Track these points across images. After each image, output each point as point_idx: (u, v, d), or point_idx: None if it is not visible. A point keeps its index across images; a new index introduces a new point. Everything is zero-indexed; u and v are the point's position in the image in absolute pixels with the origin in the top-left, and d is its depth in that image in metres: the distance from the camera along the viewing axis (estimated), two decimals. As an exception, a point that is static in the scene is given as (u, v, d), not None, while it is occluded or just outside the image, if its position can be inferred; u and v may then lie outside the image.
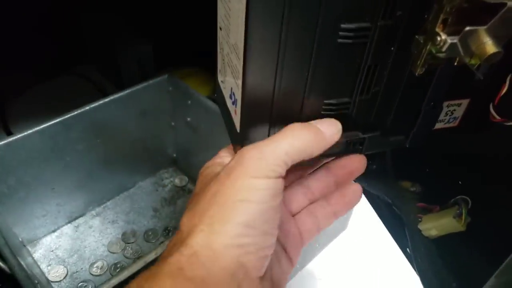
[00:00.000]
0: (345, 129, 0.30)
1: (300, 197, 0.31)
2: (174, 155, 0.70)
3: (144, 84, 0.61)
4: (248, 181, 0.24)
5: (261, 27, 0.23)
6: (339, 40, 0.25)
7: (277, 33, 0.24)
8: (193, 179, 0.68)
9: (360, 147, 0.31)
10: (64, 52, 0.82)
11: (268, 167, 0.24)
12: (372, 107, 0.29)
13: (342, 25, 0.24)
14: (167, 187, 0.67)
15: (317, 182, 0.32)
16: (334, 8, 0.23)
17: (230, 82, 0.30)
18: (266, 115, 0.28)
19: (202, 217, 0.24)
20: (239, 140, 0.29)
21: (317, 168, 0.32)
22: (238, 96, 0.27)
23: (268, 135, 0.29)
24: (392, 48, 0.26)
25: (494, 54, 0.19)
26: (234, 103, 0.29)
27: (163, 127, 0.66)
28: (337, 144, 0.30)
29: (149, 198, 0.65)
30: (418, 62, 0.23)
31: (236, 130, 0.30)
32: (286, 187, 0.30)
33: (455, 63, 0.23)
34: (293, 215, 0.31)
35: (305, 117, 0.28)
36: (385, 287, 0.47)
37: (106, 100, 0.58)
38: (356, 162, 0.31)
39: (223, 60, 0.31)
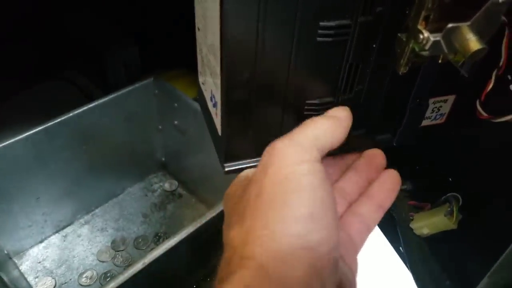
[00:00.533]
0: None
1: (338, 200, 0.27)
2: (163, 159, 0.69)
3: (130, 88, 0.60)
4: (291, 168, 0.21)
5: (236, 26, 0.22)
6: (319, 39, 0.24)
7: (254, 31, 0.23)
8: (183, 183, 0.67)
9: (346, 146, 0.31)
10: (49, 56, 0.81)
11: (305, 150, 0.22)
12: (356, 106, 0.28)
13: (321, 23, 0.23)
14: (156, 192, 0.66)
15: (349, 182, 0.29)
16: (312, 5, 0.23)
17: (210, 84, 0.29)
18: (248, 117, 0.27)
19: (254, 222, 0.20)
20: (220, 144, 0.28)
21: (345, 172, 0.30)
22: (218, 98, 0.27)
23: (250, 140, 0.28)
24: (374, 46, 0.25)
25: (478, 50, 0.19)
26: (214, 105, 0.28)
27: (150, 131, 0.65)
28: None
29: (139, 204, 0.64)
30: (402, 61, 0.22)
31: (218, 133, 0.29)
32: None
33: (440, 61, 0.22)
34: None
35: (287, 118, 0.28)
36: (379, 286, 0.46)
37: (91, 105, 0.57)
38: (378, 156, 0.30)
39: (203, 61, 0.30)
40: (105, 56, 0.76)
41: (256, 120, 0.27)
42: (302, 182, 0.20)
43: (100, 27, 0.78)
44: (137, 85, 0.61)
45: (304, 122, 0.25)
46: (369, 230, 0.28)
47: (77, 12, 0.78)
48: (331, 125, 0.25)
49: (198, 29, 0.29)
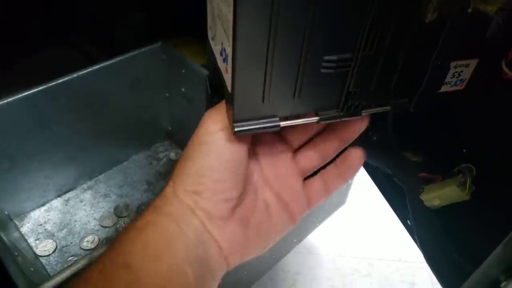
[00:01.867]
0: (345, 90, 0.27)
1: (311, 154, 0.32)
2: (169, 128, 0.68)
3: (136, 52, 0.59)
4: (206, 136, 0.28)
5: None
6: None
7: None
8: (187, 153, 0.66)
9: (362, 110, 0.29)
10: (56, 22, 0.79)
11: (223, 120, 0.27)
12: (376, 65, 0.27)
13: None
14: (161, 161, 0.65)
15: (323, 141, 0.33)
16: None
17: (221, 36, 0.27)
18: (261, 72, 0.26)
19: (174, 173, 0.29)
20: (230, 102, 0.27)
21: (324, 130, 0.33)
22: (229, 50, 0.25)
23: (263, 96, 0.27)
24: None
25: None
26: (225, 60, 0.27)
27: (156, 98, 0.64)
28: (335, 107, 0.28)
29: (143, 172, 0.63)
30: (430, 4, 0.20)
31: (227, 90, 0.27)
32: (299, 148, 0.33)
33: (469, 10, 0.21)
34: (305, 177, 0.33)
35: (303, 76, 0.26)
36: (386, 260, 0.45)
37: (95, 68, 0.56)
38: (359, 121, 0.31)
39: (213, 13, 0.29)
40: (113, 22, 0.74)
41: (269, 76, 0.26)
42: (204, 147, 0.27)
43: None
44: (143, 49, 0.59)
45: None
46: (327, 193, 0.33)
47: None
48: None
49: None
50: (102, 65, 0.55)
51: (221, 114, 0.28)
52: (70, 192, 0.59)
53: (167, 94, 0.64)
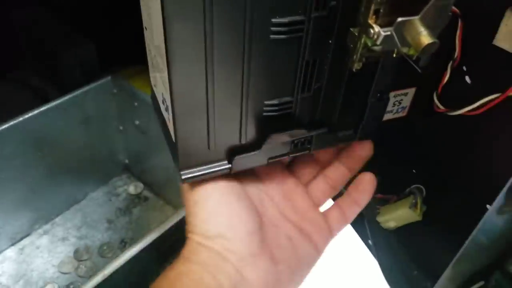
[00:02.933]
0: (289, 129, 0.28)
1: (322, 185, 0.33)
2: (126, 161, 0.66)
3: (86, 88, 0.57)
4: (206, 188, 0.28)
5: (180, 27, 0.21)
6: (272, 36, 0.23)
7: (201, 31, 0.21)
8: (148, 185, 0.65)
9: (308, 146, 0.30)
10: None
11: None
12: (316, 104, 0.27)
13: (274, 20, 0.22)
14: (121, 196, 0.64)
15: (332, 172, 0.33)
16: (263, 2, 0.21)
17: (161, 87, 0.27)
18: (203, 121, 0.26)
19: (188, 223, 0.29)
20: (175, 151, 0.27)
21: (331, 161, 0.34)
22: (169, 102, 0.25)
23: (208, 145, 0.27)
24: (330, 41, 0.24)
25: (429, 45, 0.18)
26: (167, 109, 0.27)
27: (111, 132, 0.62)
28: (283, 144, 0.29)
29: (102, 210, 0.61)
30: (355, 56, 0.21)
31: (171, 139, 0.27)
32: (309, 181, 0.33)
33: (394, 55, 0.21)
34: (319, 205, 0.33)
35: (246, 120, 0.26)
36: (348, 279, 0.46)
37: (44, 108, 0.54)
38: (363, 149, 0.32)
39: (152, 62, 0.28)
40: (60, 54, 0.71)
41: (212, 124, 0.26)
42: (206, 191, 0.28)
43: (50, 23, 0.74)
44: (94, 84, 0.58)
45: None
46: (346, 221, 0.33)
47: (25, 9, 0.74)
48: None
49: (145, 28, 0.27)
50: (51, 104, 0.53)
51: None
52: (25, 239, 0.57)
53: (121, 127, 0.62)
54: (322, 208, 0.33)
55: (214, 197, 0.28)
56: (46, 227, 0.58)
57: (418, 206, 0.35)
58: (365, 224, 0.42)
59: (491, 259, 0.33)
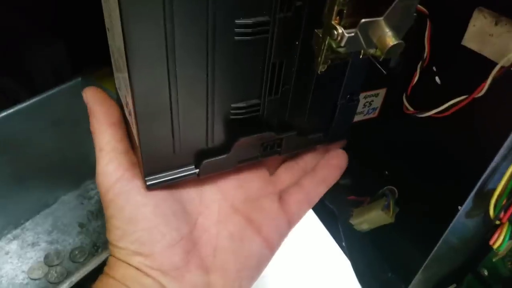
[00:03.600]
0: (258, 132, 0.27)
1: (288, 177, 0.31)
2: (99, 163, 0.65)
3: (55, 89, 0.56)
4: (111, 192, 0.27)
5: (140, 28, 0.20)
6: (236, 38, 0.22)
7: (161, 30, 0.20)
8: (122, 188, 0.64)
9: (278, 149, 0.29)
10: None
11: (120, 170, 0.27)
12: (285, 106, 0.27)
13: (237, 21, 0.21)
14: (93, 199, 0.62)
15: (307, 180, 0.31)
16: (226, 2, 0.21)
17: (124, 90, 0.26)
18: (168, 126, 0.25)
19: (107, 235, 0.27)
20: (139, 156, 0.26)
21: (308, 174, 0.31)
22: (131, 105, 0.24)
23: (174, 149, 0.26)
24: (297, 43, 0.23)
25: (394, 46, 0.18)
26: (130, 113, 0.26)
27: (82, 134, 0.60)
28: (253, 147, 0.28)
29: (74, 214, 0.60)
30: (319, 58, 0.21)
31: (136, 143, 0.26)
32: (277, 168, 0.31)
33: (360, 56, 0.21)
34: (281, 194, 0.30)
35: (213, 124, 0.26)
36: (322, 282, 0.46)
37: (12, 110, 0.52)
38: (336, 159, 0.31)
39: (115, 65, 0.27)
40: (27, 55, 0.69)
41: (177, 127, 0.25)
42: (121, 202, 0.26)
43: (18, 23, 0.71)
44: (63, 86, 0.56)
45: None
46: (309, 203, 0.30)
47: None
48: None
49: (108, 29, 0.26)
50: (18, 107, 0.51)
51: (115, 162, 0.27)
52: (-7, 246, 0.55)
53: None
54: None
55: (127, 210, 0.26)
56: (16, 232, 0.56)
57: (391, 208, 0.35)
58: (338, 226, 0.42)
59: (463, 261, 0.33)
